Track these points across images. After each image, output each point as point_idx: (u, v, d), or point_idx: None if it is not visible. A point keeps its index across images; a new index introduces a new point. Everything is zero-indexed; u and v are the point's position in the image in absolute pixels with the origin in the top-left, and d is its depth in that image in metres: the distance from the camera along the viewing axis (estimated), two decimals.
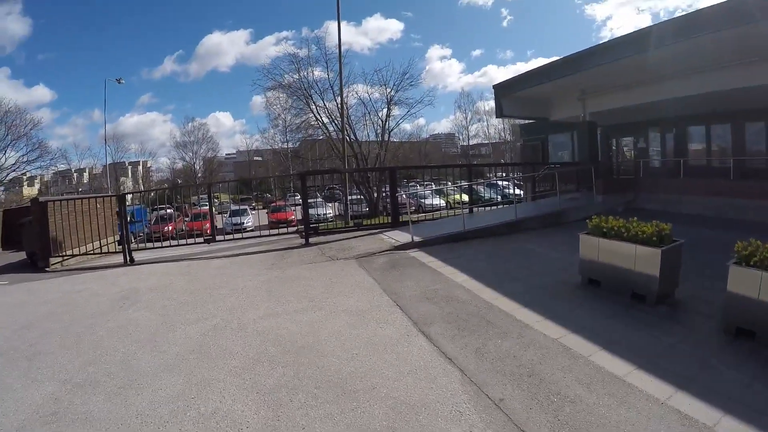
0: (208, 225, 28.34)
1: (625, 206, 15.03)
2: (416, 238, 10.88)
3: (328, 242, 12.06)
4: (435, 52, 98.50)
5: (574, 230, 12.10)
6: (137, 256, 12.05)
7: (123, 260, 11.61)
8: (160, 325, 6.66)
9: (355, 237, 12.30)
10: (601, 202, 14.89)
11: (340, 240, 12.13)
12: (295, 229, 13.62)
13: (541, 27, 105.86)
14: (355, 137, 26.25)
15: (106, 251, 12.66)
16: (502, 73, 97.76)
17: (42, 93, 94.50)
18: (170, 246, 12.58)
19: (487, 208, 15.76)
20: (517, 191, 24.99)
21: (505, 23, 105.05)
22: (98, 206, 13.48)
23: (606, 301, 6.63)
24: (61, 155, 54.74)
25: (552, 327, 5.78)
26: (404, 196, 15.39)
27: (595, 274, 7.23)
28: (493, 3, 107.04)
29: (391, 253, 10.25)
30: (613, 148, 20.54)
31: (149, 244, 13.41)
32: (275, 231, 13.07)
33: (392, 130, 27.92)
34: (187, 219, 27.23)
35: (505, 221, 12.35)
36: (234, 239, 12.78)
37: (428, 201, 24.15)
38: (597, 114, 17.75)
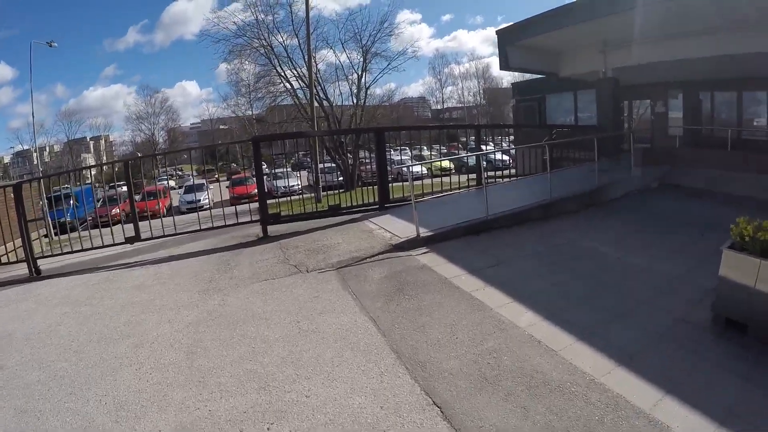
0: (161, 204, 24.39)
1: (659, 182, 11.82)
2: (423, 231, 7.24)
3: (293, 235, 8.37)
4: (405, 16, 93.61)
5: (623, 214, 9.04)
6: (48, 264, 8.42)
7: (28, 271, 8.01)
8: None
9: (332, 226, 8.63)
10: (639, 175, 11.58)
11: (311, 232, 8.43)
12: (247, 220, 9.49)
13: None
14: (326, 96, 22.13)
15: (13, 259, 8.74)
16: (472, 38, 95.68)
17: (2, 71, 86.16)
18: (86, 249, 8.55)
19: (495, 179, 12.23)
20: (505, 157, 21.74)
21: None
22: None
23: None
24: None
25: None
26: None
27: (743, 314, 4.20)
28: None
29: (389, 259, 6.59)
30: (639, 111, 17.30)
31: (68, 242, 9.57)
32: (219, 227, 8.69)
33: (370, 86, 23.63)
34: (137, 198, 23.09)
35: (537, 203, 8.86)
36: (164, 237, 8.79)
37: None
38: (620, 70, 14.28)
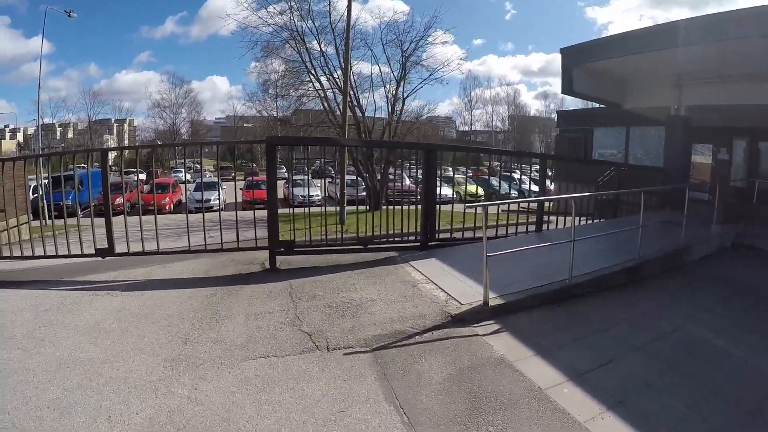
0: (168, 199, 22.18)
1: (733, 241, 9.67)
2: (494, 297, 5.08)
3: (310, 272, 6.30)
4: (437, 36, 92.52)
5: (716, 285, 6.92)
6: (11, 265, 6.81)
7: None
8: None
9: (361, 266, 6.53)
10: (720, 233, 9.44)
11: (334, 272, 6.32)
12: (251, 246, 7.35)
13: (542, 24, 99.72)
14: (359, 104, 19.75)
15: None
16: (501, 63, 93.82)
17: (38, 44, 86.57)
18: (49, 257, 6.66)
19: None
20: (534, 187, 19.84)
21: (508, 16, 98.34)
22: None
23: None
24: None
25: None
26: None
27: None
28: None
29: (448, 340, 4.41)
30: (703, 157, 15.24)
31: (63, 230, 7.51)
32: (214, 250, 6.77)
33: (408, 96, 21.05)
34: (145, 189, 21.03)
35: (621, 264, 6.65)
36: (143, 254, 6.71)
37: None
38: (694, 109, 12.25)
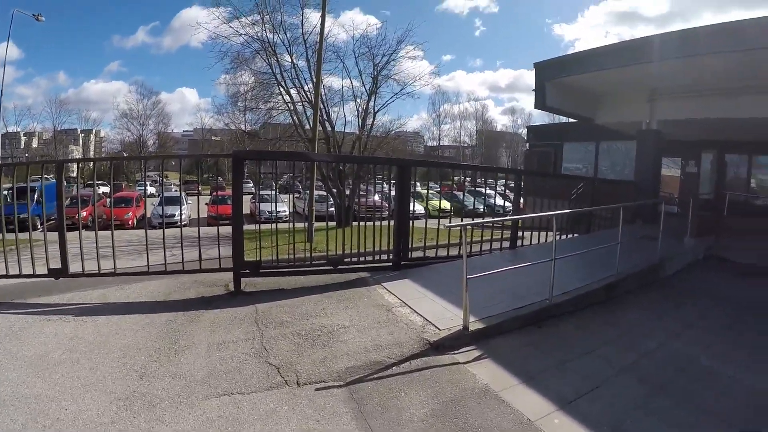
0: (131, 214, 21.37)
1: (705, 253, 9.87)
2: (473, 321, 4.84)
3: (277, 295, 5.96)
4: (408, 50, 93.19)
5: (693, 298, 6.95)
6: None
7: None
8: None
9: (331, 288, 6.22)
10: (693, 246, 9.60)
11: (303, 295, 5.99)
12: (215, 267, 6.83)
13: (511, 40, 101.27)
14: (329, 117, 19.32)
15: None
16: (470, 79, 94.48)
17: (9, 50, 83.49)
18: (4, 277, 6.11)
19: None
20: (506, 203, 19.85)
21: (477, 33, 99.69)
22: None
23: None
24: None
25: None
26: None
27: None
28: (468, 13, 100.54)
29: (428, 370, 4.13)
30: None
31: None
32: (175, 272, 6.25)
33: (380, 110, 20.61)
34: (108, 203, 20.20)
35: (600, 281, 6.57)
36: (99, 275, 6.21)
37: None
38: (666, 123, 12.52)
